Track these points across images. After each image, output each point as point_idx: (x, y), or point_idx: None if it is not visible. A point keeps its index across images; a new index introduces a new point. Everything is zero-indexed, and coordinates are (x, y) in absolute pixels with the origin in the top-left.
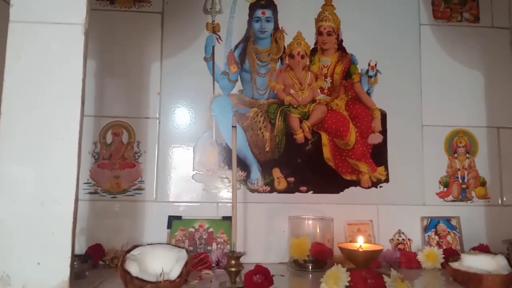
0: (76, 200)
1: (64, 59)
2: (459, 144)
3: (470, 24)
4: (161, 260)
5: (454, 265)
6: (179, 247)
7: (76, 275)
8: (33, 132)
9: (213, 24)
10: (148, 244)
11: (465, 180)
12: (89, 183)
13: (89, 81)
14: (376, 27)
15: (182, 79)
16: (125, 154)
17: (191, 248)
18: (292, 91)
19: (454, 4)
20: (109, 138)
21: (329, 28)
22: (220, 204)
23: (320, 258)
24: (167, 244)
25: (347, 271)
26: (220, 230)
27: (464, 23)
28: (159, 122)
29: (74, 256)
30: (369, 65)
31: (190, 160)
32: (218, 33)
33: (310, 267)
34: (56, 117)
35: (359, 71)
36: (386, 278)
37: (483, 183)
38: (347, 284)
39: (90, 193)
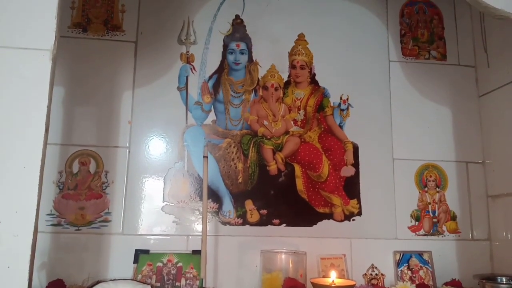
0: (35, 232)
1: (30, 84)
2: (429, 178)
3: (437, 61)
4: None
5: None
6: (144, 283)
7: None
8: None
9: (187, 54)
10: (110, 280)
11: (436, 214)
12: (53, 214)
13: (57, 109)
14: (347, 62)
15: (155, 108)
16: (91, 184)
17: (158, 284)
18: (265, 123)
19: (422, 42)
20: (75, 167)
21: (302, 62)
22: (190, 237)
23: None
24: (131, 280)
25: None
26: (190, 264)
27: (432, 61)
28: (129, 152)
29: None
30: (341, 98)
31: (160, 191)
32: (192, 63)
33: None
34: (18, 144)
35: (332, 104)
36: None
37: (453, 217)
38: None
39: (53, 225)
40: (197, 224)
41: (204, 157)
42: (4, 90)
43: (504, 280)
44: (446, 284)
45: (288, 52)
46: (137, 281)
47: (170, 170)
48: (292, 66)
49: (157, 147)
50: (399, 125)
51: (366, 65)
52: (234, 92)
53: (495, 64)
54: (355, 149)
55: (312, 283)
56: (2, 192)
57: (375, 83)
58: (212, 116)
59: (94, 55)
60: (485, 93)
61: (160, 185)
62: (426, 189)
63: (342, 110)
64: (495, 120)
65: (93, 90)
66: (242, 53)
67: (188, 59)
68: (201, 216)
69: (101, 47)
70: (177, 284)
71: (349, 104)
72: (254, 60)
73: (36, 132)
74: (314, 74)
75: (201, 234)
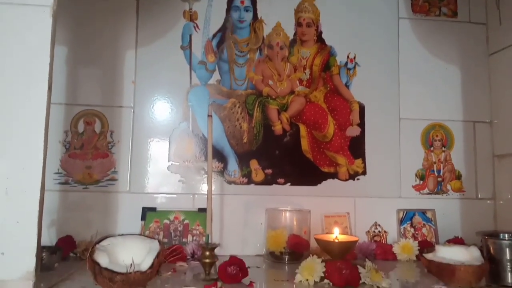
0: (42, 189)
1: (31, 41)
2: (435, 138)
3: (448, 18)
4: (132, 251)
5: (428, 256)
6: (151, 238)
7: (45, 267)
8: None
9: (190, 12)
10: (118, 235)
11: (441, 173)
12: (60, 173)
13: (60, 68)
14: (355, 20)
15: (158, 67)
16: (97, 143)
17: (166, 240)
18: (270, 82)
19: None
20: (81, 127)
21: (308, 19)
22: (196, 195)
23: (296, 250)
24: (138, 235)
25: (322, 262)
26: (196, 222)
27: (442, 18)
28: (133, 112)
29: (42, 247)
30: (348, 57)
31: (165, 150)
32: (195, 21)
33: (286, 259)
34: (21, 102)
35: (338, 63)
36: (361, 269)
37: (458, 177)
38: (322, 275)
39: (61, 183)
40: (203, 183)
41: (208, 116)
42: (5, 47)
43: (506, 237)
44: (448, 241)
45: (294, 9)
46: (144, 236)
47: (175, 130)
48: (298, 24)
49: (161, 107)
50: (406, 84)
51: (374, 22)
52: (238, 51)
53: (507, 22)
54: (361, 109)
55: (316, 239)
56: (8, 149)
57: (384, 41)
58: (216, 76)
59: (95, 13)
60: (495, 52)
61: (165, 144)
62: (432, 148)
63: (349, 69)
64: (505, 79)
65: (96, 50)
66: (247, 10)
67: (191, 17)
68: (207, 175)
69: (102, 5)
70: (184, 240)
71: (356, 63)
72: (259, 18)
73: (39, 90)
74: (321, 32)
75: (206, 192)
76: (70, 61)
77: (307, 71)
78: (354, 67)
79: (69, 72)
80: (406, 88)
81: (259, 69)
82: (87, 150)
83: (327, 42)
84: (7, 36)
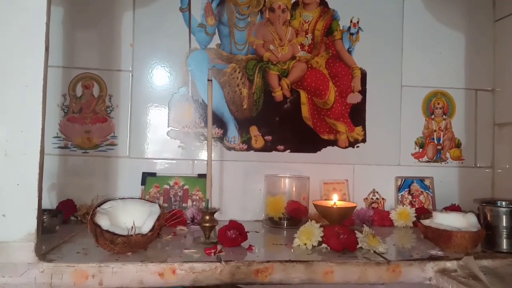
0: (42, 151)
1: (27, 1)
2: (436, 105)
3: None
4: (132, 214)
5: (425, 222)
6: (151, 201)
7: (46, 230)
8: None
9: None
10: (119, 199)
11: (441, 141)
12: (59, 137)
13: (57, 30)
14: None
15: (156, 30)
16: (96, 108)
17: (166, 205)
18: (271, 47)
19: None
20: (79, 90)
21: None
22: (196, 161)
23: (295, 215)
24: (139, 198)
25: (320, 227)
26: (196, 187)
27: None
28: (132, 75)
29: (43, 210)
30: (351, 21)
31: (165, 116)
32: None
33: (285, 224)
34: (19, 63)
35: (341, 28)
36: (358, 234)
37: (458, 145)
38: (320, 239)
39: (60, 147)
40: (202, 149)
41: (208, 80)
42: (0, 6)
43: (504, 204)
44: (445, 208)
45: None
46: (144, 199)
47: (175, 95)
48: None
49: (160, 72)
50: (410, 51)
51: None
52: (239, 14)
53: None
54: (363, 75)
55: (314, 204)
56: (6, 111)
57: (388, 5)
58: (216, 40)
59: None
60: (501, 18)
61: (165, 110)
62: (432, 116)
63: (352, 34)
64: (509, 47)
65: (93, 11)
66: None
67: None
68: (206, 141)
69: None
70: (183, 205)
71: (359, 28)
72: None
73: (36, 51)
74: None
75: (206, 158)
76: (67, 23)
77: (309, 35)
78: (357, 32)
79: (66, 34)
80: (409, 54)
81: (260, 33)
82: (86, 114)
83: (330, 5)
84: None
